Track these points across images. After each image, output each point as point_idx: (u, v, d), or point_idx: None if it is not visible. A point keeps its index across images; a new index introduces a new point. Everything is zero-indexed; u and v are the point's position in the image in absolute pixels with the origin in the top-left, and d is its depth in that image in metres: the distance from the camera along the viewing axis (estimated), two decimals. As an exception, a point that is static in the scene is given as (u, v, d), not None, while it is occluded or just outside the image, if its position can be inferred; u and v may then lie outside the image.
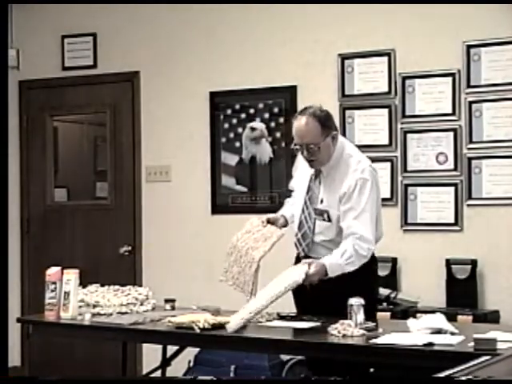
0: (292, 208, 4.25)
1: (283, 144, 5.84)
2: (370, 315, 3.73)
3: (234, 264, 4.06)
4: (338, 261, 3.85)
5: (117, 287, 4.46)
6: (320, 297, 3.95)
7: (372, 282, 4.19)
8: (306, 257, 4.01)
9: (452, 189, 5.33)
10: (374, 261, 4.13)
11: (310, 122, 3.92)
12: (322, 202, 4.02)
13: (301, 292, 4.03)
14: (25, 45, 6.67)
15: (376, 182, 4.01)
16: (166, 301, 4.42)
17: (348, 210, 3.91)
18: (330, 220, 3.99)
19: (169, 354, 4.48)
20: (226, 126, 6.04)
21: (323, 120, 3.95)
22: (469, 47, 5.28)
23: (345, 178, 3.95)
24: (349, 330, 3.53)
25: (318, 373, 4.06)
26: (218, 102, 6.05)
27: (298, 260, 4.10)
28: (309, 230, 4.04)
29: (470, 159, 5.29)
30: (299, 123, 3.95)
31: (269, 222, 4.14)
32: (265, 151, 5.91)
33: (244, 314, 3.76)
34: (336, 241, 3.98)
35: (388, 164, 5.48)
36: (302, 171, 4.19)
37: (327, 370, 3.91)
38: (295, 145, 3.99)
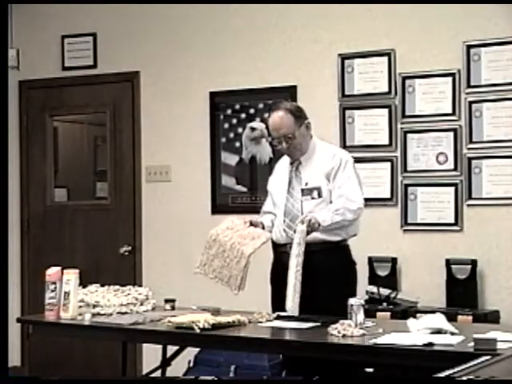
0: (269, 219, 4.37)
1: (283, 144, 5.83)
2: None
3: (214, 258, 4.15)
4: (328, 212, 4.10)
5: (117, 287, 4.47)
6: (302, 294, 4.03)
7: (350, 277, 4.27)
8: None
9: (452, 189, 5.33)
10: (352, 262, 4.29)
11: (283, 115, 4.23)
12: (306, 184, 4.22)
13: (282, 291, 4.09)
14: (25, 45, 6.67)
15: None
16: (166, 301, 4.42)
17: (335, 184, 4.18)
18: (320, 196, 4.18)
19: (169, 354, 4.48)
20: (226, 126, 6.04)
21: (294, 111, 4.26)
22: (469, 47, 5.28)
23: (326, 160, 4.22)
24: (349, 329, 3.53)
25: (296, 372, 4.12)
26: (218, 101, 6.05)
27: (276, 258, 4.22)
28: (297, 211, 4.18)
29: (469, 159, 5.29)
30: (274, 118, 4.26)
31: (251, 224, 4.25)
32: (265, 151, 5.91)
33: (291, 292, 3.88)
34: None
35: (388, 164, 5.47)
36: (277, 182, 4.38)
37: (305, 369, 3.97)
38: (273, 139, 4.29)
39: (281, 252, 4.21)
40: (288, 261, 4.00)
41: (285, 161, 4.39)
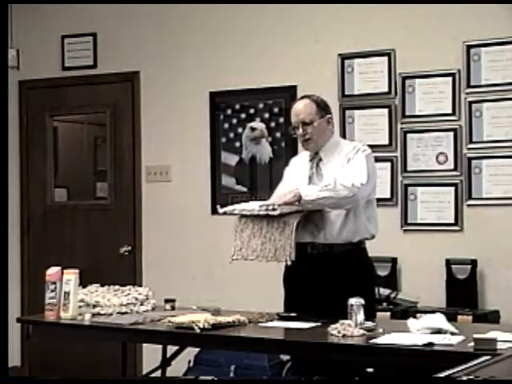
0: None
1: (283, 144, 5.84)
2: (369, 315, 3.74)
3: (250, 239, 4.00)
4: (314, 186, 4.01)
5: (117, 287, 4.46)
6: (321, 296, 3.99)
7: (371, 281, 4.22)
8: (317, 245, 4.06)
9: (452, 189, 5.33)
10: (372, 264, 4.25)
11: (306, 102, 4.19)
12: None
13: (300, 292, 4.06)
14: (25, 45, 6.67)
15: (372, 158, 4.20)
16: (166, 301, 4.42)
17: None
18: None
19: (169, 354, 4.47)
20: (226, 126, 6.04)
21: (319, 102, 4.20)
22: (469, 47, 5.29)
23: (346, 155, 4.11)
24: (349, 329, 3.53)
25: (306, 374, 4.09)
26: (218, 101, 6.05)
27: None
28: None
29: (469, 159, 5.29)
30: (296, 104, 4.23)
31: None
32: (265, 151, 5.91)
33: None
34: (347, 214, 4.03)
35: (388, 164, 5.48)
36: (293, 174, 4.29)
37: (314, 371, 3.95)
38: (293, 128, 4.19)
39: (301, 251, 4.04)
40: (310, 260, 4.01)
41: (303, 156, 4.30)
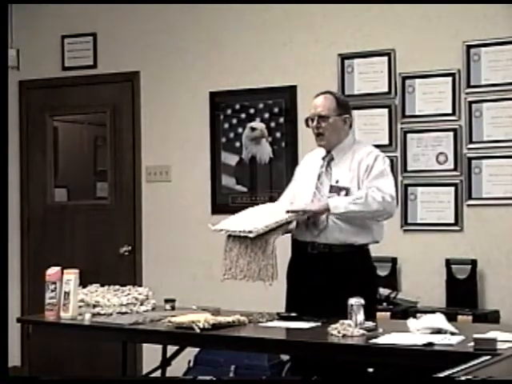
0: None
1: (283, 144, 5.84)
2: (369, 315, 3.74)
3: (238, 258, 4.03)
4: (344, 198, 3.99)
5: (117, 287, 4.46)
6: (320, 296, 3.99)
7: (370, 283, 4.22)
8: (318, 245, 4.06)
9: (452, 189, 5.34)
10: (373, 266, 4.25)
11: (327, 96, 4.18)
12: (337, 182, 4.09)
13: (299, 291, 4.07)
14: (25, 45, 6.67)
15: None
16: (166, 301, 4.42)
17: (369, 177, 4.04)
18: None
19: (169, 354, 4.48)
20: (226, 126, 6.04)
21: (340, 100, 4.21)
22: (469, 47, 5.29)
23: (360, 159, 4.09)
24: (349, 329, 3.53)
25: (306, 374, 4.09)
26: (218, 101, 6.05)
27: (298, 253, 4.16)
28: None
29: (469, 159, 5.29)
30: (317, 97, 4.19)
31: None
32: (265, 151, 5.91)
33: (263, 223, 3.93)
34: (352, 221, 4.02)
35: (388, 164, 5.47)
36: (305, 175, 4.26)
37: (312, 371, 3.95)
38: (306, 120, 4.18)
39: (302, 250, 4.10)
40: (310, 260, 4.02)
41: (316, 153, 4.26)
